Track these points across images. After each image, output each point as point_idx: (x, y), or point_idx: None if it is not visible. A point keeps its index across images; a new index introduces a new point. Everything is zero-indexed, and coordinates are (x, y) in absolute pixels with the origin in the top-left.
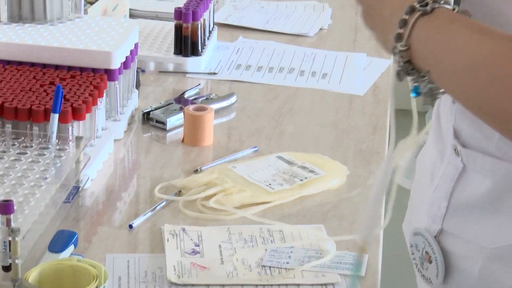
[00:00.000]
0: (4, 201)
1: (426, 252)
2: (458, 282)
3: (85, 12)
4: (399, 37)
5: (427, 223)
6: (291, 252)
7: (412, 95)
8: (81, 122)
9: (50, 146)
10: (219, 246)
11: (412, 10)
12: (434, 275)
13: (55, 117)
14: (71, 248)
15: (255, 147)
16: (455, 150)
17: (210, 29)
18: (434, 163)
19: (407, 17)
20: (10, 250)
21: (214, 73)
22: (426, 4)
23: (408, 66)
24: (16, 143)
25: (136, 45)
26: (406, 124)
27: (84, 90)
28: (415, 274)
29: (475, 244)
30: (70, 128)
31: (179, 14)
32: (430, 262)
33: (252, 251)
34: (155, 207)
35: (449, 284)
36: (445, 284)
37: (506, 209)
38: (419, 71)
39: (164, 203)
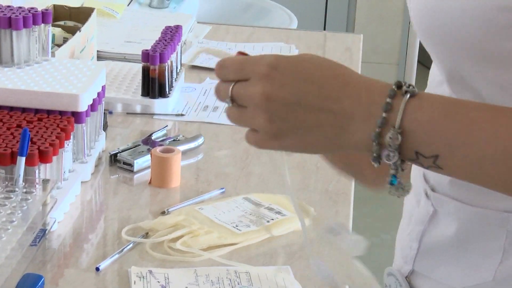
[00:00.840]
0: None
1: None
2: None
3: (53, 54)
4: (385, 123)
5: (400, 263)
6: None
7: (393, 182)
8: (48, 164)
9: (16, 189)
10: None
11: (395, 93)
12: None
13: (22, 160)
14: None
15: (222, 188)
16: (426, 193)
17: (178, 71)
18: (412, 207)
19: (391, 100)
20: None
21: (182, 115)
22: (409, 86)
23: (395, 153)
24: None
25: (103, 87)
26: None
27: (51, 132)
28: None
29: (445, 284)
30: (37, 171)
31: (146, 56)
32: None
33: None
34: (122, 249)
35: None
36: None
37: (472, 251)
38: (409, 157)
39: (131, 245)
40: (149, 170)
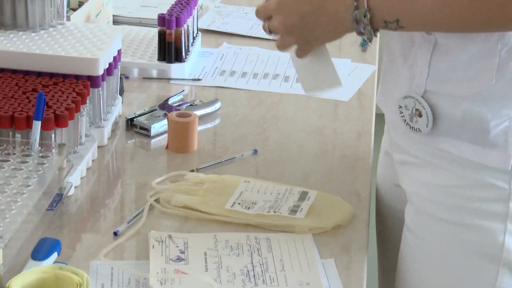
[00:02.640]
0: None
1: (417, 109)
2: (445, 124)
3: (68, 18)
4: (357, 6)
5: (411, 89)
6: None
7: (362, 45)
8: (64, 129)
9: (32, 153)
10: (205, 253)
11: None
12: (424, 125)
13: (37, 124)
14: (54, 256)
15: (254, 149)
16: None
17: (194, 35)
18: (404, 46)
19: None
20: None
21: (198, 79)
22: None
23: (368, 25)
24: None
25: (119, 52)
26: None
27: (67, 97)
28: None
29: (455, 95)
30: (53, 135)
31: (162, 20)
32: (420, 116)
33: (237, 259)
34: (140, 214)
35: (437, 128)
36: (433, 129)
37: (474, 66)
38: (380, 26)
39: (148, 209)
40: (166, 135)
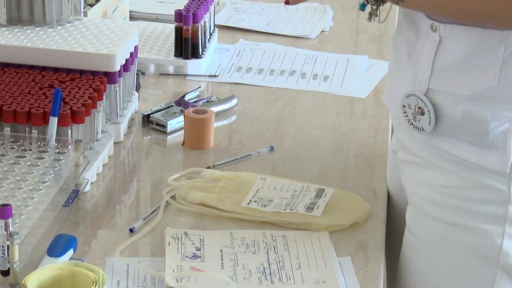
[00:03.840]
0: (3, 205)
1: (419, 107)
2: (446, 124)
3: (85, 14)
4: None
5: (414, 87)
6: None
7: (361, 7)
8: (80, 125)
9: (49, 149)
10: (221, 250)
11: None
12: (427, 124)
13: (54, 120)
14: (70, 252)
15: (271, 146)
16: (431, 27)
17: (211, 31)
18: (410, 44)
19: None
20: (8, 255)
21: (215, 76)
22: None
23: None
24: (15, 146)
25: (136, 48)
26: None
27: (84, 93)
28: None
29: (456, 94)
30: (69, 131)
31: (179, 16)
32: (423, 114)
33: (253, 256)
34: (156, 210)
35: (438, 127)
36: (435, 129)
37: (477, 65)
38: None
39: (164, 206)
40: (182, 131)
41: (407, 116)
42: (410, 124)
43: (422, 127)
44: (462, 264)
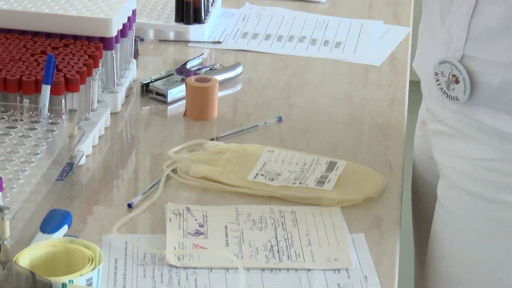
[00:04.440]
0: None
1: (453, 75)
2: (482, 93)
3: None
4: None
5: (448, 53)
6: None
7: None
8: (75, 94)
9: (41, 119)
10: (225, 227)
11: None
12: (461, 93)
13: (47, 89)
14: (64, 228)
15: (279, 117)
16: None
17: None
18: (443, 7)
19: None
20: None
21: (219, 42)
22: None
23: None
24: (5, 116)
25: (134, 12)
26: (420, 97)
27: (78, 59)
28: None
29: (493, 61)
30: (63, 100)
31: None
32: (457, 82)
33: (260, 233)
34: (156, 185)
35: (474, 97)
36: (470, 98)
37: None
38: None
39: (164, 180)
40: (184, 101)
41: (439, 84)
42: (443, 93)
43: (456, 96)
44: (498, 242)
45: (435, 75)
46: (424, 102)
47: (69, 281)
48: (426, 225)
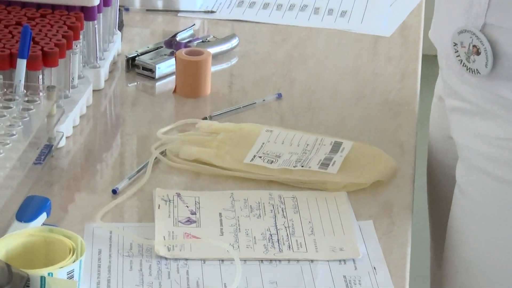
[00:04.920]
0: None
1: (474, 46)
2: (505, 66)
3: None
4: None
5: (468, 21)
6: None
7: None
8: (53, 69)
9: (16, 97)
10: (220, 214)
11: None
12: (483, 65)
13: (22, 63)
14: (43, 216)
15: (278, 93)
16: None
17: None
18: None
19: None
20: None
21: (212, 12)
22: None
23: None
24: None
25: None
26: (434, 71)
27: (57, 31)
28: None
29: None
30: (40, 76)
31: None
32: (478, 54)
33: (258, 221)
34: (143, 168)
35: (496, 70)
36: (492, 71)
37: None
38: None
39: (152, 163)
40: (174, 76)
41: (459, 56)
42: (463, 65)
43: (477, 69)
44: None
45: (454, 46)
46: (441, 77)
47: (49, 273)
48: (443, 211)
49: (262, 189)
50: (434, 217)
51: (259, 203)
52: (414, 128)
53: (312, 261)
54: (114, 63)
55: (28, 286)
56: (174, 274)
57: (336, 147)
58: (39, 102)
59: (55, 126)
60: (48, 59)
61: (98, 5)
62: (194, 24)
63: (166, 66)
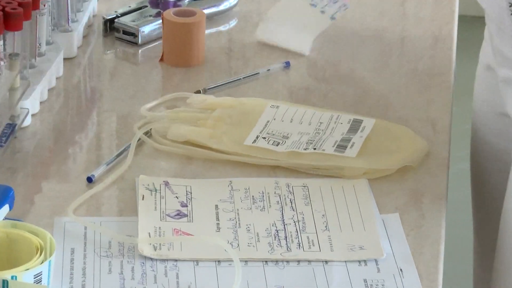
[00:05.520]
0: None
1: None
2: None
3: None
4: None
5: None
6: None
7: None
8: (16, 33)
9: None
10: (216, 206)
11: None
12: None
13: None
14: (4, 209)
15: (286, 62)
16: None
17: None
18: None
19: None
20: None
21: None
22: None
23: None
24: None
25: None
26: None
27: None
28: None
29: None
30: (1, 42)
31: None
32: None
33: (262, 214)
34: (124, 152)
35: None
36: None
37: None
38: None
39: (135, 145)
40: (160, 42)
41: None
42: None
43: None
44: None
45: (510, 6)
46: (490, 43)
47: (12, 277)
48: (492, 203)
49: (267, 176)
50: (479, 211)
51: (263, 193)
52: (450, 103)
53: (326, 262)
54: (89, 26)
55: None
56: (162, 277)
57: (355, 126)
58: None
59: (18, 101)
60: (10, 22)
61: None
62: None
63: (151, 30)
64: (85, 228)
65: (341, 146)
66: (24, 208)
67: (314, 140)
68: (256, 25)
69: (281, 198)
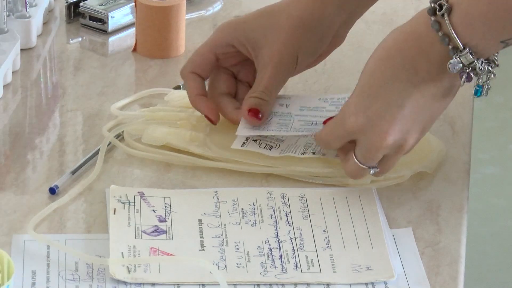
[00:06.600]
0: None
1: None
2: None
3: None
4: (456, 49)
5: None
6: None
7: (477, 95)
8: None
9: None
10: (199, 221)
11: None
12: None
13: None
14: None
15: None
16: None
17: None
18: None
19: (441, 33)
20: None
21: None
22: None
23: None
24: None
25: None
26: None
27: None
28: None
29: None
30: None
31: None
32: None
33: (253, 230)
34: (91, 158)
35: None
36: None
37: None
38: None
39: (105, 150)
40: (133, 29)
41: None
42: None
43: None
44: None
45: None
46: None
47: None
48: None
49: (258, 185)
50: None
51: (254, 205)
52: (471, 99)
53: (328, 285)
54: (50, 11)
55: None
56: None
57: None
58: None
59: None
60: None
61: None
62: None
63: (122, 15)
64: (48, 247)
65: None
66: None
67: (313, 143)
68: (245, 8)
69: (275, 211)
